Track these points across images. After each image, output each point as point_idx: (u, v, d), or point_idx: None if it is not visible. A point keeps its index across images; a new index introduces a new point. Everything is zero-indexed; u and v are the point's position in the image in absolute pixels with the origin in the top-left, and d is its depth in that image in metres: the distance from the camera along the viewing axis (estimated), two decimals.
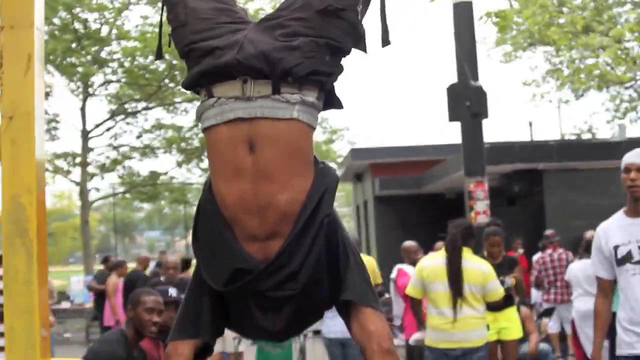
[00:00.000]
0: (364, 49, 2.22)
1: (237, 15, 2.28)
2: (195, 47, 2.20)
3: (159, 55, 2.48)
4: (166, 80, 21.63)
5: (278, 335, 2.31)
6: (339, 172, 24.06)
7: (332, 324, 7.98)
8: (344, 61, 2.24)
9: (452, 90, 9.93)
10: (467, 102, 9.61)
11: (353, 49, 2.23)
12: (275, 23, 2.17)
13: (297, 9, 2.16)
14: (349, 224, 28.55)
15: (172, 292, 4.81)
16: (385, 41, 2.26)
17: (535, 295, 11.35)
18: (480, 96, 9.73)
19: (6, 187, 2.92)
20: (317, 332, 8.90)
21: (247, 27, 2.21)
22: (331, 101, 2.29)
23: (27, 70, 2.92)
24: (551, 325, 10.16)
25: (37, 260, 2.89)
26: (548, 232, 11.58)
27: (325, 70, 2.15)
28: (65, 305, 16.41)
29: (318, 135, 25.64)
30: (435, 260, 6.27)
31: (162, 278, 8.11)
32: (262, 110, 2.09)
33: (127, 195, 27.34)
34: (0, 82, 2.95)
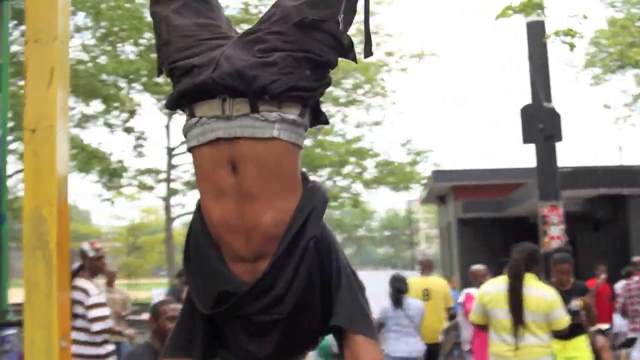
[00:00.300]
0: (352, 58, 2.13)
1: (219, 30, 2.22)
2: (177, 66, 2.17)
3: (159, 73, 2.43)
4: None
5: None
6: (423, 194, 23.87)
7: (396, 344, 7.97)
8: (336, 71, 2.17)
9: (525, 112, 9.65)
10: (540, 125, 9.30)
11: (341, 59, 2.14)
12: (254, 37, 2.10)
13: (275, 22, 2.09)
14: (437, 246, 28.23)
15: None
16: (368, 52, 2.16)
17: (619, 324, 10.94)
18: (553, 118, 9.42)
19: (28, 199, 2.93)
20: None
21: (228, 42, 2.14)
22: (317, 116, 2.20)
23: (50, 84, 2.92)
24: (635, 356, 9.72)
25: (57, 272, 2.89)
26: (636, 258, 11.19)
27: (306, 85, 2.06)
28: (146, 316, 16.71)
29: (402, 157, 25.49)
30: (496, 286, 6.09)
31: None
32: (242, 130, 2.03)
33: None
34: (23, 95, 2.98)
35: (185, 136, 2.18)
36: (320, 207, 2.12)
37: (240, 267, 2.11)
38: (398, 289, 8.32)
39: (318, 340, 2.31)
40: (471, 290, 8.62)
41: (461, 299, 8.83)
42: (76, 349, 6.88)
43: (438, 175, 20.52)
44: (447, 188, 20.32)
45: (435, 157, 52.17)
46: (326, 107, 24.80)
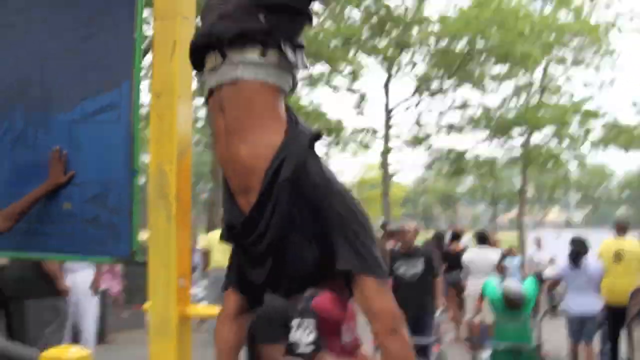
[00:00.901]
0: (323, 3, 2.31)
1: None
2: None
3: None
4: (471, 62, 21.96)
5: (263, 288, 2.43)
6: None
7: (572, 300, 8.04)
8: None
9: None
10: None
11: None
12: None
13: None
14: None
15: None
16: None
17: None
18: None
19: (153, 156, 3.37)
20: (554, 307, 8.87)
21: None
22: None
23: (172, 55, 3.31)
24: None
25: (175, 219, 3.30)
26: None
27: (260, 28, 2.27)
28: None
29: (631, 118, 24.11)
30: None
31: (398, 246, 8.48)
32: (221, 77, 2.31)
33: (430, 170, 27.85)
34: (152, 65, 3.41)
35: None
36: (295, 151, 2.24)
37: (241, 200, 2.34)
38: (577, 250, 8.40)
39: (315, 282, 2.43)
40: None
41: None
42: None
43: None
44: None
45: None
46: (552, 68, 24.03)
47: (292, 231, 2.23)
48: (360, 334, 5.10)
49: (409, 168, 29.32)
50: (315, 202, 2.23)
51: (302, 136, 2.29)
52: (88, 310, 8.17)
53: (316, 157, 2.31)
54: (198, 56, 2.42)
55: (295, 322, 4.18)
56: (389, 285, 2.24)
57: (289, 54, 2.30)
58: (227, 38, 2.28)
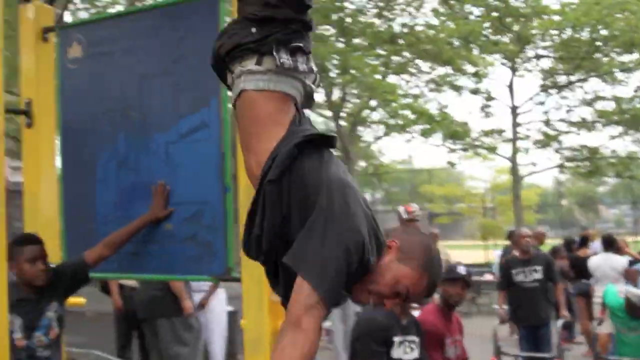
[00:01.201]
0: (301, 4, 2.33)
1: None
2: None
3: None
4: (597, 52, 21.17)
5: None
6: None
7: None
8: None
9: None
10: None
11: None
12: None
13: None
14: None
15: (460, 269, 4.89)
16: None
17: None
18: None
19: (242, 173, 3.42)
20: None
21: None
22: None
23: None
24: None
25: None
26: None
27: (252, 39, 2.29)
28: (488, 277, 17.01)
29: None
30: None
31: (515, 251, 8.28)
32: (234, 92, 2.36)
33: (565, 169, 26.92)
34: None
35: None
36: (284, 153, 2.19)
37: None
38: None
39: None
40: None
41: None
42: None
43: None
44: None
45: None
46: None
47: (287, 234, 2.17)
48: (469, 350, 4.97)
49: (542, 170, 28.48)
50: (301, 204, 2.15)
51: (294, 136, 2.24)
52: (216, 330, 8.28)
53: (315, 156, 2.23)
54: (223, 78, 2.49)
55: (397, 339, 4.13)
56: (320, 308, 1.97)
57: (283, 58, 2.29)
58: (223, 53, 2.35)
